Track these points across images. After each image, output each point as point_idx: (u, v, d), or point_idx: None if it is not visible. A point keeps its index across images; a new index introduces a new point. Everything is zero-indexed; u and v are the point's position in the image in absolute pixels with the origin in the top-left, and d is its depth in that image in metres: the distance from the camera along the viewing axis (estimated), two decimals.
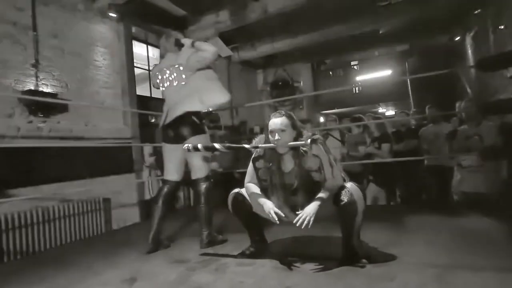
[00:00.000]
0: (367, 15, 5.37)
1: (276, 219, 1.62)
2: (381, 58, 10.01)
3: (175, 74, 2.30)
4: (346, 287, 1.40)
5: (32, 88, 3.13)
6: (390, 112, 11.40)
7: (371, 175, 3.84)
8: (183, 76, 2.28)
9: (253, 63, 7.78)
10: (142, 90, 4.79)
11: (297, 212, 1.61)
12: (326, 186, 1.63)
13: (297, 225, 1.55)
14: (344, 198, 1.57)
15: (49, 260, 2.24)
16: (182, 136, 2.23)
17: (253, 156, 1.80)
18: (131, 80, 4.32)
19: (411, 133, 3.82)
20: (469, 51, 6.19)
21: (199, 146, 1.85)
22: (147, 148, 4.32)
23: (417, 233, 2.12)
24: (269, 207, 1.64)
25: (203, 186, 2.25)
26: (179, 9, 4.80)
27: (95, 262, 2.02)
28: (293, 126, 1.67)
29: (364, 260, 1.62)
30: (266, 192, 1.74)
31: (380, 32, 6.37)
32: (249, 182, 1.82)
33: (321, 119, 9.42)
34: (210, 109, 2.45)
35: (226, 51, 5.96)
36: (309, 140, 1.56)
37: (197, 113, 2.27)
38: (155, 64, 2.61)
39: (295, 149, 1.65)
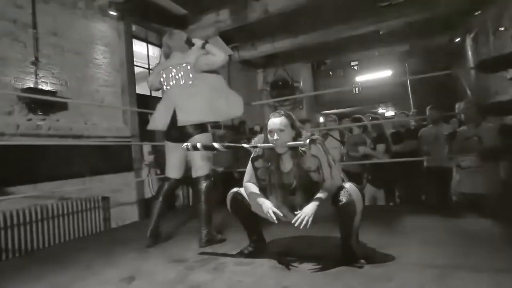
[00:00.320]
0: (367, 16, 5.38)
1: (275, 218, 1.62)
2: (381, 58, 10.00)
3: (182, 73, 2.29)
4: (344, 287, 1.40)
5: (32, 85, 3.13)
6: (390, 112, 11.41)
7: (370, 175, 3.84)
8: (190, 75, 2.28)
9: (253, 62, 7.77)
10: (142, 88, 4.79)
11: (295, 212, 1.61)
12: (324, 186, 1.63)
13: (295, 225, 1.55)
14: (343, 198, 1.57)
15: (48, 258, 2.24)
16: (186, 134, 2.23)
17: (252, 156, 1.80)
18: (131, 78, 4.31)
19: (411, 134, 3.82)
20: (469, 53, 6.19)
21: (198, 145, 1.85)
22: (146, 147, 4.32)
23: (415, 233, 2.13)
24: (268, 206, 1.64)
25: (203, 184, 2.26)
26: (180, 8, 4.79)
27: (93, 260, 2.02)
28: (292, 126, 1.67)
29: (362, 261, 1.62)
30: (264, 191, 1.74)
31: (381, 33, 6.38)
32: (248, 181, 1.82)
33: (321, 119, 9.42)
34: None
35: (226, 50, 5.95)
36: (308, 140, 1.56)
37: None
38: (157, 64, 2.61)
39: (294, 149, 1.64)
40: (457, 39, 6.72)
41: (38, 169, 3.06)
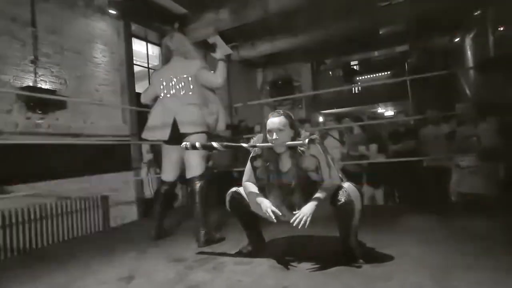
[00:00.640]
0: (367, 16, 5.37)
1: (274, 218, 1.62)
2: (380, 58, 10.00)
3: (182, 84, 2.38)
4: (343, 287, 1.40)
5: (31, 84, 3.12)
6: (389, 112, 11.40)
7: (369, 175, 3.84)
8: (191, 86, 2.37)
9: (253, 62, 7.75)
10: (141, 87, 4.77)
11: (294, 212, 1.61)
12: (323, 186, 1.63)
13: (294, 224, 1.55)
14: (342, 198, 1.57)
15: (47, 257, 2.24)
16: (182, 135, 2.26)
17: (251, 155, 1.80)
18: (130, 77, 4.30)
19: (410, 134, 3.82)
20: (469, 53, 6.19)
21: (197, 144, 1.85)
22: (145, 145, 4.32)
23: (414, 233, 2.13)
24: (267, 206, 1.64)
25: (197, 184, 2.29)
26: (179, 7, 4.78)
27: (92, 259, 2.02)
28: (291, 125, 1.66)
29: (361, 260, 1.63)
30: (263, 191, 1.74)
31: (380, 33, 6.37)
32: (247, 181, 1.82)
33: (320, 119, 9.42)
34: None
35: (226, 49, 5.94)
36: (306, 140, 1.56)
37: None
38: (156, 70, 2.65)
39: (292, 148, 1.64)
40: (457, 39, 6.72)
41: (37, 168, 3.05)
